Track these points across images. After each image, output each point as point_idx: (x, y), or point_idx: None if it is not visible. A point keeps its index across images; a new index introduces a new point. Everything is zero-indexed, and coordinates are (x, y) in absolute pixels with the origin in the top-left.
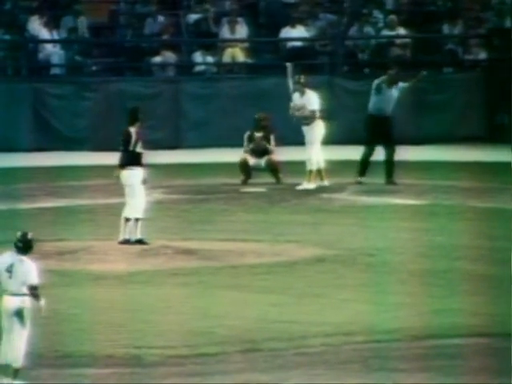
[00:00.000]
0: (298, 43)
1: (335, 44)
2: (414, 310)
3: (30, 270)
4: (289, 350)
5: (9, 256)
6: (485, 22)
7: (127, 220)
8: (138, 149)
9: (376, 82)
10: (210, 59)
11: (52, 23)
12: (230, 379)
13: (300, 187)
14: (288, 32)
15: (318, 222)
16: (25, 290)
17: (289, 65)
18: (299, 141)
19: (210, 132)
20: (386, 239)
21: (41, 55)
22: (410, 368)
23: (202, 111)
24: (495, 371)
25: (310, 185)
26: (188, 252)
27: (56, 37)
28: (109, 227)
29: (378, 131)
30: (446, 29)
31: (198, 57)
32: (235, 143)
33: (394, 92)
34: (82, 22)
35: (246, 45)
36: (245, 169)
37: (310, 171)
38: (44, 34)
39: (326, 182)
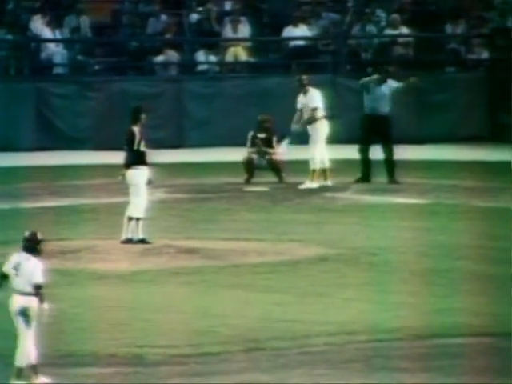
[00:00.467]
0: (301, 42)
1: (338, 43)
2: (416, 309)
3: (35, 268)
4: (292, 349)
5: (18, 255)
6: (488, 22)
7: (130, 219)
8: (142, 148)
9: (360, 82)
10: (212, 58)
11: (54, 23)
12: (233, 379)
13: (303, 186)
14: (291, 31)
15: (321, 221)
16: (31, 289)
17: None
18: (302, 140)
19: (212, 131)
20: (389, 238)
21: (43, 55)
22: (413, 367)
23: (205, 110)
24: (497, 371)
25: (312, 184)
26: (191, 251)
27: (59, 36)
28: (111, 226)
29: (373, 130)
30: (448, 28)
31: (200, 56)
32: (238, 142)
33: (384, 90)
34: (85, 22)
35: (248, 44)
36: (249, 168)
37: (313, 170)
38: (46, 33)
39: (329, 182)
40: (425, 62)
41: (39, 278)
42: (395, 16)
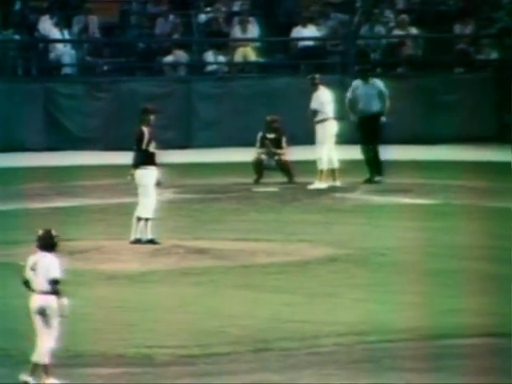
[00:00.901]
0: (310, 43)
1: (346, 43)
2: (424, 309)
3: (51, 263)
4: (301, 349)
5: (34, 256)
6: (496, 22)
7: (139, 219)
8: (151, 148)
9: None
10: (221, 59)
11: (63, 23)
12: (242, 379)
13: (312, 186)
14: (299, 31)
15: (330, 222)
16: (48, 286)
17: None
18: (311, 140)
19: (221, 131)
20: (398, 239)
21: (52, 55)
22: (422, 368)
23: (214, 111)
24: (506, 371)
25: (321, 184)
26: (200, 251)
27: (67, 37)
28: (120, 227)
29: (366, 129)
30: (457, 28)
31: (209, 56)
32: (247, 143)
33: (369, 90)
34: (93, 22)
35: (257, 44)
36: (258, 168)
37: (321, 171)
38: (55, 33)
39: (338, 183)
40: (433, 63)
41: (56, 273)
42: (403, 16)
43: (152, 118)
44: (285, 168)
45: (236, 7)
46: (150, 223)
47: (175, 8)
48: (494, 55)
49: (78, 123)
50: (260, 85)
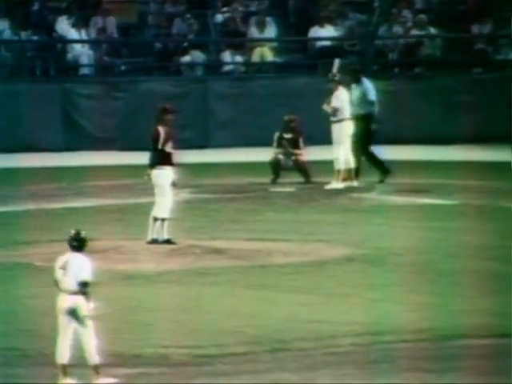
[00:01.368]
0: (327, 43)
1: (364, 43)
2: (442, 309)
3: (82, 265)
4: (318, 349)
5: (65, 255)
6: None
7: (155, 220)
8: (168, 148)
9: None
10: (238, 59)
11: (81, 23)
12: (259, 379)
13: (328, 186)
14: (317, 31)
15: (347, 222)
16: (77, 288)
17: (337, 61)
18: (328, 140)
19: (238, 131)
20: (415, 239)
21: (69, 55)
22: (439, 368)
23: (231, 111)
24: None
25: (338, 184)
26: (216, 251)
27: (85, 37)
28: (138, 226)
29: (354, 132)
30: (475, 28)
31: (226, 56)
32: (264, 143)
33: (355, 92)
34: (111, 22)
35: (274, 44)
36: (275, 168)
37: (338, 170)
38: (72, 34)
39: (355, 183)
40: (451, 63)
41: (86, 276)
42: (422, 16)
43: (171, 117)
44: (302, 168)
45: (253, 7)
46: (166, 223)
47: (193, 8)
48: None
49: (96, 123)
50: (277, 85)
